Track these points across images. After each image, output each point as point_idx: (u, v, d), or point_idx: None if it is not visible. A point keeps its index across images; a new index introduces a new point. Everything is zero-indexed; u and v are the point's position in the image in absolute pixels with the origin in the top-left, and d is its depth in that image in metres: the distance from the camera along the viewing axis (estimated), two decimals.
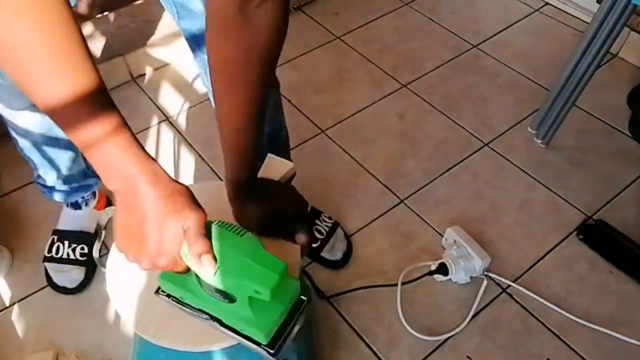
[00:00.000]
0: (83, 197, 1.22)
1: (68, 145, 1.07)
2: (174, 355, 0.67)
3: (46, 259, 1.19)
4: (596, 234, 1.24)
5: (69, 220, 1.23)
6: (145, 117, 1.55)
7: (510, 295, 1.16)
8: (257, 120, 0.64)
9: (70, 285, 1.17)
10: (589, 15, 1.76)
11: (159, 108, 1.58)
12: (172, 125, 1.53)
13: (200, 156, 1.44)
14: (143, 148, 0.51)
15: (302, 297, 0.63)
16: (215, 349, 0.66)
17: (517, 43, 1.75)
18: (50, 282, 1.18)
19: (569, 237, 1.25)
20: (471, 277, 1.15)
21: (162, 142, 1.49)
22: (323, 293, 1.15)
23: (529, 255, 1.22)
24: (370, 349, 1.08)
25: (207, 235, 0.55)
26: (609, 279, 1.18)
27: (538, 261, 1.21)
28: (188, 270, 0.57)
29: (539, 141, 1.44)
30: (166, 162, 1.44)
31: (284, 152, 1.12)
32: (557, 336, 1.10)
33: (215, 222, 0.58)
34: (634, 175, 1.37)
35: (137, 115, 1.55)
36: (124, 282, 0.70)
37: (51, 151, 1.07)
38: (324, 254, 1.20)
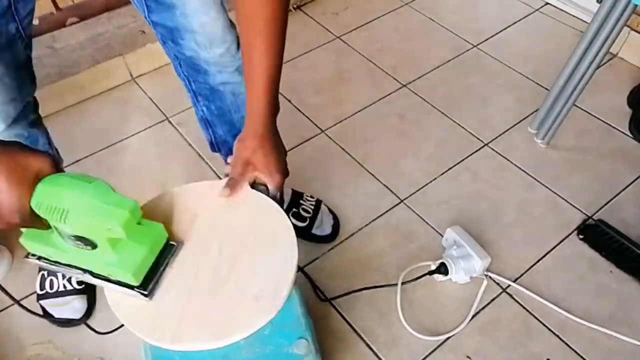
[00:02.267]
0: None
1: None
2: (189, 354, 0.67)
3: (40, 297, 1.12)
4: (596, 234, 1.24)
5: None
6: (145, 117, 1.55)
7: (510, 295, 1.16)
8: (281, 63, 0.73)
9: (76, 315, 1.10)
10: (589, 15, 1.76)
11: (159, 108, 1.58)
12: (172, 125, 1.53)
13: (200, 156, 1.44)
14: None
15: (172, 242, 0.69)
16: (236, 340, 0.66)
17: (517, 43, 1.75)
18: (51, 318, 1.10)
19: (569, 237, 1.25)
20: (471, 277, 1.15)
21: (162, 142, 1.49)
22: (325, 295, 1.15)
23: (529, 255, 1.22)
24: (370, 348, 1.08)
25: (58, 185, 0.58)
26: (609, 279, 1.18)
27: (538, 261, 1.21)
28: (48, 226, 0.60)
29: (539, 141, 1.44)
30: (165, 161, 1.44)
31: None
32: (557, 336, 1.10)
33: (63, 174, 0.60)
34: (634, 175, 1.37)
35: (137, 115, 1.56)
36: (124, 298, 0.68)
37: None
38: (315, 231, 1.23)
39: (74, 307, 1.12)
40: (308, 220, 1.23)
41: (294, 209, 1.23)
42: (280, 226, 0.72)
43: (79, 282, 1.14)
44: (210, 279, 0.69)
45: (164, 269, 0.67)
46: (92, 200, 0.57)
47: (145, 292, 0.65)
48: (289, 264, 0.71)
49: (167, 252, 0.68)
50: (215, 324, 0.65)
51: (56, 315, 1.11)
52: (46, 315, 1.12)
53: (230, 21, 0.90)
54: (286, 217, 0.74)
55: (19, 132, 0.93)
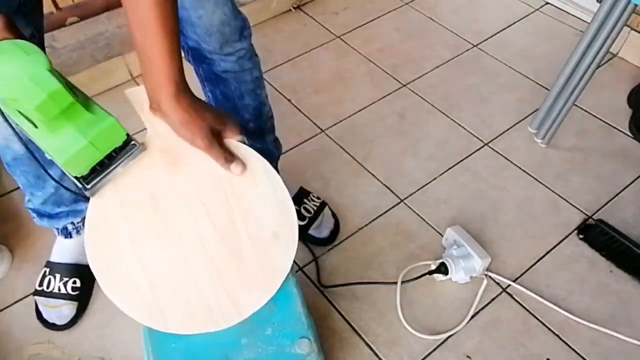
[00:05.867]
0: (73, 224, 1.15)
1: (52, 161, 1.02)
2: (188, 346, 0.68)
3: (36, 293, 1.14)
4: (596, 234, 1.24)
5: (61, 250, 1.17)
6: None
7: (510, 295, 1.16)
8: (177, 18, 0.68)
9: (60, 321, 1.11)
10: (589, 15, 1.76)
11: None
12: None
13: None
14: None
15: (134, 142, 0.67)
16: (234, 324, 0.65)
17: (517, 43, 1.75)
18: (40, 317, 1.13)
19: (569, 237, 1.25)
20: (471, 277, 1.15)
21: None
22: (321, 284, 1.16)
23: (529, 255, 1.22)
24: (370, 348, 1.08)
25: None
26: (609, 279, 1.18)
27: (538, 261, 1.21)
28: None
29: (539, 141, 1.44)
30: None
31: (269, 127, 1.14)
32: (557, 336, 1.10)
33: (8, 41, 0.56)
34: (634, 175, 1.37)
35: (137, 115, 1.55)
36: (120, 286, 0.67)
37: (34, 167, 0.99)
38: (312, 231, 1.22)
39: (61, 312, 1.12)
40: (307, 219, 1.22)
41: (296, 207, 1.23)
42: (263, 165, 0.73)
43: (74, 288, 1.14)
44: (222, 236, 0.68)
45: (115, 167, 0.66)
46: (19, 72, 0.53)
47: (87, 185, 0.63)
48: (284, 194, 0.71)
49: (125, 152, 0.66)
50: (207, 307, 0.64)
51: (44, 316, 1.13)
52: (37, 312, 1.14)
53: (232, 12, 0.91)
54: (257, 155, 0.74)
55: None
